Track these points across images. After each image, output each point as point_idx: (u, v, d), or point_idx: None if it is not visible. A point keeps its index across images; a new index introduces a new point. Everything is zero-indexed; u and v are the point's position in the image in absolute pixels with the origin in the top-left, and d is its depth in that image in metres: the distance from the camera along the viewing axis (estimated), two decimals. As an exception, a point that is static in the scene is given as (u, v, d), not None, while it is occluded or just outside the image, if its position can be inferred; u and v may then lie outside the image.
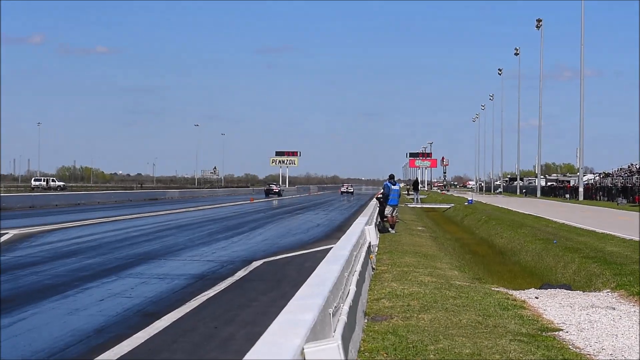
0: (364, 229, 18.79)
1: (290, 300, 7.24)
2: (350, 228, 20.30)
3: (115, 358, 10.20)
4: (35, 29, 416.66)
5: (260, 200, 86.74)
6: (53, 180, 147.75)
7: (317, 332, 6.08)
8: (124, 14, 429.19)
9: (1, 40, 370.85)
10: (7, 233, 30.12)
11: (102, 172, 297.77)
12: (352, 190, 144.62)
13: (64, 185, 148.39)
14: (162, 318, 12.97)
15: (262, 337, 5.52)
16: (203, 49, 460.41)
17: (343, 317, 7.93)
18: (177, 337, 11.61)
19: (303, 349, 5.31)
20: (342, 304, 8.56)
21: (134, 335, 11.55)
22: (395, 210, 33.60)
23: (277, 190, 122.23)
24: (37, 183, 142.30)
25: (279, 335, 5.59)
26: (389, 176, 34.32)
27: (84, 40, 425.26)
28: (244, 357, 4.93)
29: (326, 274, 9.09)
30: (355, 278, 11.32)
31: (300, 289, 7.98)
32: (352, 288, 10.27)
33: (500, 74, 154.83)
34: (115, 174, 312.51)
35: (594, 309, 14.21)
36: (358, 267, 12.69)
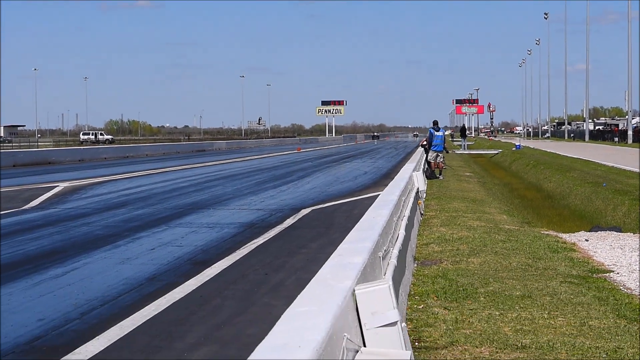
0: (411, 175, 18.78)
1: (340, 244, 7.27)
2: (398, 174, 20.30)
3: (168, 305, 10.30)
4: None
5: (307, 150, 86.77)
6: (101, 134, 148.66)
7: (367, 274, 6.10)
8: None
9: None
10: (57, 186, 30.40)
11: (150, 125, 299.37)
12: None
13: (112, 138, 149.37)
14: (213, 266, 13.05)
15: (313, 279, 5.55)
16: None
17: (393, 261, 7.94)
18: (227, 284, 11.69)
19: (354, 290, 5.33)
20: (391, 248, 8.57)
21: (185, 283, 11.64)
22: (440, 157, 33.50)
23: None
24: (86, 137, 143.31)
25: (330, 277, 5.62)
26: (433, 122, 34.20)
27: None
28: (296, 298, 4.96)
29: (375, 219, 9.10)
30: (404, 223, 11.32)
31: (350, 233, 8.00)
32: (402, 232, 10.28)
33: (546, 18, 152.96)
34: (163, 126, 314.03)
35: (645, 250, 14.11)
36: (407, 212, 12.69)
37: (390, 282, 5.51)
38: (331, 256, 6.62)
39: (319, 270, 5.92)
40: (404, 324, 5.66)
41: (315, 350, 3.83)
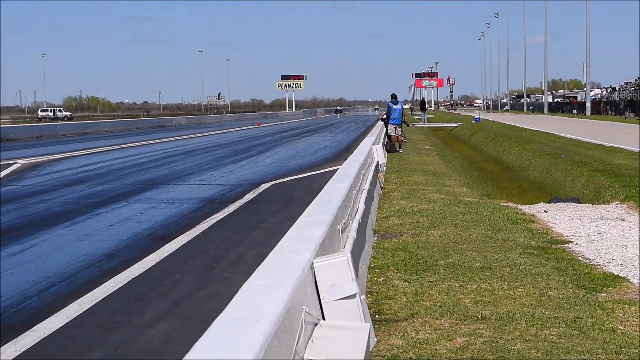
0: (371, 148, 18.79)
1: (299, 217, 7.24)
2: (358, 148, 20.31)
3: (127, 281, 10.23)
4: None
5: (267, 125, 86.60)
6: (60, 111, 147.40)
7: (326, 247, 6.07)
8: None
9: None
10: (15, 163, 30.12)
11: (109, 101, 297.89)
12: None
13: (70, 115, 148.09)
14: (172, 241, 12.98)
15: (271, 253, 5.52)
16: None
17: (352, 234, 7.92)
18: (187, 259, 11.63)
19: (312, 263, 5.31)
20: (351, 221, 8.56)
21: (145, 259, 11.56)
22: (399, 130, 33.55)
23: None
24: (44, 114, 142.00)
25: (289, 250, 5.59)
26: (391, 96, 34.24)
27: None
28: (254, 272, 4.93)
29: (334, 192, 9.09)
30: (364, 196, 11.31)
31: (309, 207, 7.98)
32: (361, 205, 10.27)
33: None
34: (122, 102, 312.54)
35: (603, 220, 14.21)
36: (366, 186, 12.68)
37: (349, 255, 5.49)
38: (290, 229, 6.59)
39: (278, 244, 5.89)
40: (363, 297, 5.65)
41: (272, 323, 3.80)
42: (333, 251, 6.36)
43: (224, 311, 4.05)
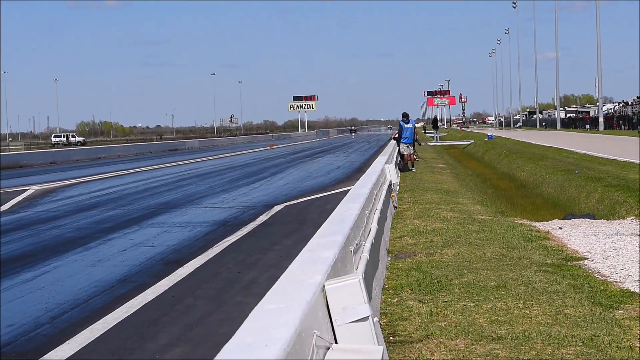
0: (383, 168, 18.72)
1: (311, 239, 7.17)
2: (370, 167, 20.23)
3: (139, 306, 10.17)
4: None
5: (280, 146, 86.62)
6: (73, 136, 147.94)
7: (338, 269, 6.00)
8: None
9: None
10: (28, 189, 30.14)
11: (122, 125, 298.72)
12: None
13: (84, 140, 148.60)
14: (185, 265, 12.92)
15: (282, 276, 5.45)
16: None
17: (365, 255, 7.85)
18: (200, 283, 11.57)
19: (324, 286, 5.23)
20: (363, 242, 8.48)
21: (157, 284, 11.51)
22: (411, 149, 33.47)
23: None
24: (57, 139, 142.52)
25: (300, 273, 5.52)
26: (402, 115, 34.23)
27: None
28: (265, 296, 4.86)
29: (346, 212, 9.01)
30: (376, 216, 11.23)
31: (321, 228, 7.91)
32: (374, 226, 10.19)
33: (514, 7, 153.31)
34: (135, 127, 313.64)
35: (619, 236, 14.09)
36: (379, 205, 12.60)
37: (361, 277, 5.41)
38: (301, 251, 6.52)
39: (289, 266, 5.83)
40: (376, 319, 5.56)
41: (282, 348, 3.72)
42: (345, 273, 6.29)
43: (233, 336, 3.99)
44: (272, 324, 4.13)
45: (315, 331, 4.46)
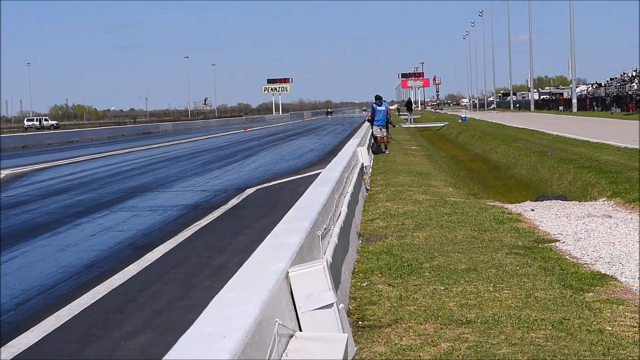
0: (355, 151, 18.62)
1: (277, 224, 7.06)
2: (342, 150, 20.12)
3: (106, 292, 10.03)
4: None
5: (254, 129, 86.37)
6: (46, 120, 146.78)
7: (304, 255, 5.90)
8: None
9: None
10: (-2, 174, 29.88)
11: (95, 109, 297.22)
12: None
13: (57, 124, 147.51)
14: (154, 250, 12.79)
15: (245, 263, 5.35)
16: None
17: (334, 239, 7.75)
18: (168, 268, 11.44)
19: (288, 273, 5.12)
20: (332, 226, 8.38)
21: (125, 269, 11.37)
22: (384, 131, 33.38)
23: None
24: (30, 123, 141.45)
25: (264, 260, 5.42)
26: (375, 97, 34.15)
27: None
28: (226, 284, 4.75)
29: (315, 197, 8.91)
30: (347, 199, 11.14)
31: (288, 213, 7.80)
32: (344, 209, 10.10)
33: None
34: (109, 110, 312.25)
35: (591, 218, 14.06)
36: (350, 189, 12.51)
37: (325, 263, 5.30)
38: (267, 237, 6.41)
39: (253, 253, 5.72)
40: (342, 305, 5.47)
41: (240, 339, 3.62)
42: (312, 258, 6.19)
43: (191, 327, 3.89)
44: (231, 314, 4.02)
45: (277, 320, 4.35)
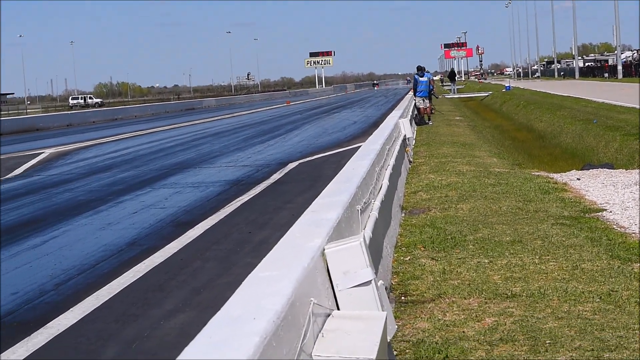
0: (397, 122, 18.40)
1: (316, 199, 6.91)
2: (383, 122, 19.91)
3: (147, 270, 9.95)
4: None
5: (297, 103, 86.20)
6: (90, 98, 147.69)
7: (342, 230, 5.74)
8: None
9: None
10: (42, 152, 29.97)
11: (139, 86, 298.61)
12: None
13: (101, 101, 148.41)
14: (196, 227, 12.69)
15: (281, 240, 5.20)
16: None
17: (374, 213, 7.60)
18: (210, 245, 11.35)
19: (324, 250, 4.97)
20: (373, 200, 8.21)
21: (167, 246, 11.28)
22: (427, 102, 33.09)
23: None
24: (75, 101, 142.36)
25: (300, 236, 5.27)
26: (417, 68, 33.91)
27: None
28: (260, 262, 4.61)
29: (354, 170, 8.74)
30: (388, 172, 10.97)
31: (326, 188, 7.64)
32: (385, 182, 9.94)
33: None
34: (153, 87, 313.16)
35: (638, 186, 13.77)
36: (392, 161, 12.34)
37: (362, 239, 5.14)
38: (304, 213, 6.26)
39: (289, 230, 5.57)
40: (380, 282, 5.29)
41: (272, 321, 3.46)
42: (351, 234, 6.03)
43: (222, 308, 3.74)
44: (263, 294, 3.87)
45: (312, 299, 4.20)
